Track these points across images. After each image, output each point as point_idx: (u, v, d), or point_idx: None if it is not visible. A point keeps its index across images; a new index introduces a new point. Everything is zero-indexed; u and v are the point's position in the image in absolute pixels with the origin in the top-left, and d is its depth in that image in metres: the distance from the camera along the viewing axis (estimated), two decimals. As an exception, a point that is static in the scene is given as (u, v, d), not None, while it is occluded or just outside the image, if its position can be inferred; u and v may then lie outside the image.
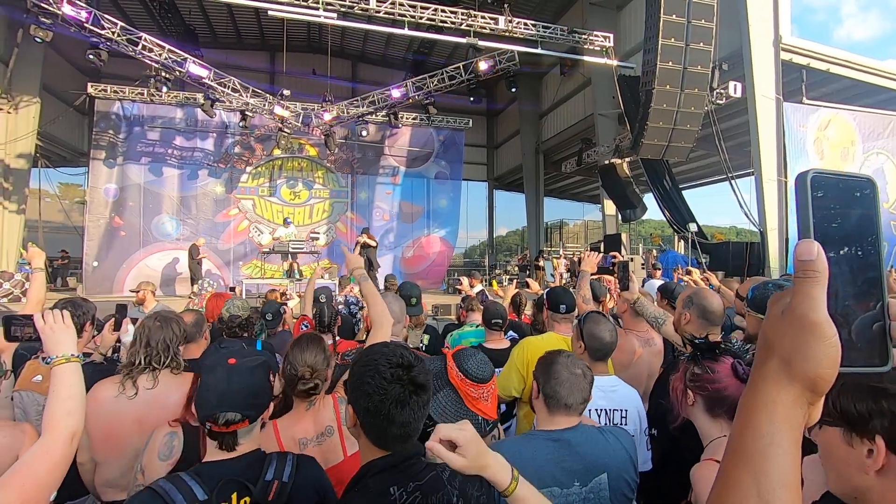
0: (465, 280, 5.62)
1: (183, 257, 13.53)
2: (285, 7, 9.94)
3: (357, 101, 13.95)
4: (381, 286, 7.46)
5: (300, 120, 13.53)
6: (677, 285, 4.10)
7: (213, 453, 1.35)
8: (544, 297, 2.99)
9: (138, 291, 4.48)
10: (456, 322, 5.09)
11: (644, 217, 15.96)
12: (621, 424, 2.00)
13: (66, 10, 9.37)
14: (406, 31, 11.01)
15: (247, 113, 13.18)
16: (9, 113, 12.60)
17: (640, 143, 10.14)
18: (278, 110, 12.85)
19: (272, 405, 1.45)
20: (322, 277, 10.87)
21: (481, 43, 11.20)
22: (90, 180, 14.48)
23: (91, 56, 10.33)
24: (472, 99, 14.77)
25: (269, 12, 10.01)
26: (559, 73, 16.37)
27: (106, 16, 10.22)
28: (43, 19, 9.52)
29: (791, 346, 0.43)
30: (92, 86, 13.75)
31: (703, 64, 9.45)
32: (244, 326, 2.94)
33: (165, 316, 2.05)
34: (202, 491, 1.23)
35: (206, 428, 1.34)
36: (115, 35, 10.25)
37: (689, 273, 5.10)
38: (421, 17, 10.76)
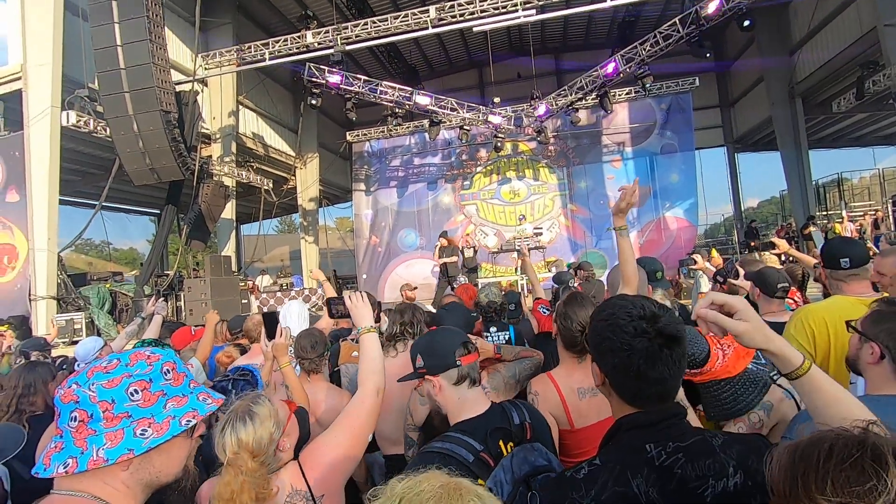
0: (698, 258, 5.13)
1: (421, 265, 16.06)
2: (487, 20, 10.48)
3: (564, 90, 13.73)
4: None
5: (512, 122, 14.08)
6: None
7: (461, 413, 1.44)
8: (820, 253, 2.42)
9: (404, 290, 5.34)
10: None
11: None
12: None
13: (330, 78, 11.85)
14: (607, 4, 10.34)
15: (464, 127, 14.39)
16: (301, 169, 16.65)
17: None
18: (492, 118, 13.66)
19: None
20: (549, 271, 11.09)
21: (701, -15, 9.73)
22: (354, 209, 17.94)
23: (348, 110, 12.88)
24: (707, 54, 12.03)
25: (475, 29, 10.71)
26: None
27: (353, 75, 12.57)
28: (314, 91, 12.30)
29: None
30: (349, 134, 17.02)
31: None
32: (499, 311, 3.21)
33: (415, 306, 2.63)
34: (476, 442, 1.34)
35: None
36: (360, 88, 12.51)
37: None
38: (624, -19, 9.99)
